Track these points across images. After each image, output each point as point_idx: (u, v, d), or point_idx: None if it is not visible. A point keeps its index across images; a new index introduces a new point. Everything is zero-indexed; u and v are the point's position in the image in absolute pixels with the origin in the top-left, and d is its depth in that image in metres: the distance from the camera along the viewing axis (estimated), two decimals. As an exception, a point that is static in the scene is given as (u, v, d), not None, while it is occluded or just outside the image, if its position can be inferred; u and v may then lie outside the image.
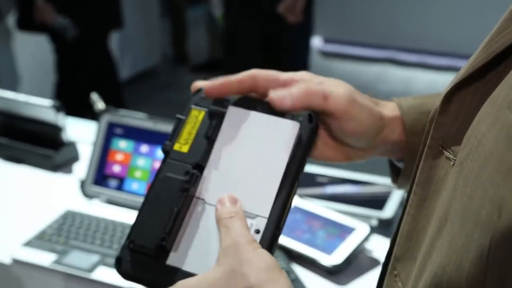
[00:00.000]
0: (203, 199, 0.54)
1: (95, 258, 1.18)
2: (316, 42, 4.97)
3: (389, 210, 1.26)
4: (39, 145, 1.54)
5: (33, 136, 1.55)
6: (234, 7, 3.00)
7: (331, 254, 1.13)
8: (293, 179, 0.53)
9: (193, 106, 0.58)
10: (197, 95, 0.58)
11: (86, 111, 2.20)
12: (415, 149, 0.55)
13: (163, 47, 4.83)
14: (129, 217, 1.29)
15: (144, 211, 0.54)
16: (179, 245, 0.53)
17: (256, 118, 0.56)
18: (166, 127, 1.35)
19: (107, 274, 1.14)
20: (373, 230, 1.18)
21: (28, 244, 1.22)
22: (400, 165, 0.63)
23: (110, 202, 1.35)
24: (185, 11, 4.95)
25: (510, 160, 0.35)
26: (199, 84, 0.59)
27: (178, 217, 0.52)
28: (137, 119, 1.38)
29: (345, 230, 1.18)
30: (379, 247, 1.19)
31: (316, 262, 1.13)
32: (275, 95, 0.54)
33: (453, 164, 0.44)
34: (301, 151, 0.54)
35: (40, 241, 1.23)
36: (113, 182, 1.37)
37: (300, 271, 1.14)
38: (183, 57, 4.91)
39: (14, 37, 3.35)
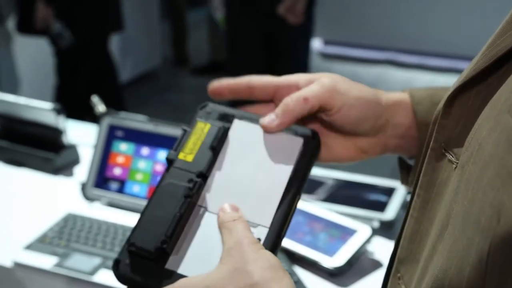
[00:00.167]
0: (205, 207, 0.55)
1: (96, 261, 1.18)
2: (316, 44, 4.97)
3: (391, 212, 1.26)
4: (39, 148, 1.54)
5: (34, 139, 1.55)
6: (235, 7, 3.00)
7: (333, 256, 1.13)
8: (295, 192, 0.55)
9: (199, 119, 0.59)
10: (203, 110, 0.60)
11: (86, 114, 2.20)
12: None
13: (163, 49, 4.84)
14: (130, 219, 1.28)
15: (145, 215, 0.54)
16: (179, 250, 0.53)
17: (261, 132, 0.58)
18: (167, 130, 1.35)
19: (109, 277, 1.14)
20: (375, 232, 1.18)
21: (30, 247, 1.22)
22: (411, 162, 0.64)
23: (111, 204, 1.35)
24: (185, 13, 4.96)
25: (510, 164, 0.35)
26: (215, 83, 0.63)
27: (180, 222, 0.53)
28: (138, 121, 1.38)
29: (347, 232, 1.17)
30: (380, 249, 1.19)
31: (317, 264, 1.13)
32: (263, 121, 0.58)
33: (455, 167, 0.44)
34: (304, 166, 0.56)
35: (41, 244, 1.23)
36: (114, 185, 1.37)
37: (302, 273, 1.13)
38: (183, 60, 4.91)
39: (14, 40, 3.35)
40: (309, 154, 0.57)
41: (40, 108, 1.53)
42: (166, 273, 0.51)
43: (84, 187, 1.38)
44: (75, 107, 2.59)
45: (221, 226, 0.52)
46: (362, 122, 0.60)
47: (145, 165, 1.36)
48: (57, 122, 1.51)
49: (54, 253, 1.20)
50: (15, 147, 1.56)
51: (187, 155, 0.57)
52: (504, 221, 0.34)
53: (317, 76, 0.61)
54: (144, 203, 1.30)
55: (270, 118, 0.58)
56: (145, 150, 1.37)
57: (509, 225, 0.34)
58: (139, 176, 1.36)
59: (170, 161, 0.57)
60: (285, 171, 0.55)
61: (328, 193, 1.35)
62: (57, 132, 1.53)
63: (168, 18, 5.00)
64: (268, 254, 0.49)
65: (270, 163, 0.56)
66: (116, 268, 0.52)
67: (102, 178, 1.38)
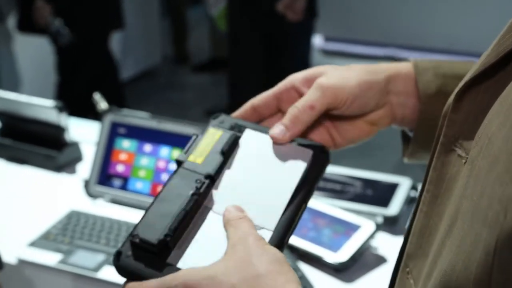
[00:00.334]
0: (211, 208, 0.55)
1: (100, 257, 1.18)
2: (317, 40, 4.97)
3: (395, 207, 1.26)
4: (42, 146, 1.54)
5: (36, 137, 1.55)
6: (235, 6, 3.00)
7: (337, 252, 1.13)
8: (301, 200, 0.56)
9: (211, 127, 0.60)
10: (216, 120, 0.62)
11: (88, 112, 2.20)
12: (427, 112, 0.60)
13: (163, 47, 4.83)
14: (133, 216, 1.28)
15: (151, 210, 0.54)
16: (182, 246, 0.53)
17: (271, 142, 0.59)
18: (170, 126, 1.35)
19: (113, 273, 1.14)
20: (379, 227, 1.18)
21: (34, 244, 1.22)
22: (411, 134, 0.64)
23: (114, 201, 1.35)
24: (185, 11, 4.95)
25: None
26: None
27: (185, 218, 0.53)
28: (141, 118, 1.38)
29: (351, 228, 1.17)
30: (384, 244, 1.19)
31: (322, 259, 1.13)
32: (273, 133, 0.59)
33: (464, 162, 0.44)
34: (312, 177, 0.58)
35: (45, 241, 1.23)
36: (117, 182, 1.37)
37: (306, 269, 1.13)
38: (183, 57, 4.91)
39: (15, 39, 3.35)
40: (318, 167, 0.58)
41: (42, 106, 1.53)
42: (167, 266, 0.51)
43: (87, 184, 1.38)
44: (76, 105, 2.58)
45: (226, 224, 0.52)
46: (368, 102, 0.62)
47: (148, 162, 1.36)
48: (59, 119, 1.51)
49: (58, 250, 1.20)
50: (17, 145, 1.56)
51: (197, 157, 0.58)
52: (511, 217, 0.34)
53: (311, 74, 0.62)
54: (147, 199, 1.30)
55: (280, 129, 0.58)
56: (147, 147, 1.37)
57: None
58: (142, 173, 1.36)
59: (179, 163, 0.57)
60: (293, 180, 0.56)
61: (332, 189, 1.35)
62: (59, 130, 1.52)
63: (168, 15, 4.99)
64: (274, 249, 0.49)
65: (278, 171, 0.57)
66: (117, 259, 0.52)
67: (105, 175, 1.38)
